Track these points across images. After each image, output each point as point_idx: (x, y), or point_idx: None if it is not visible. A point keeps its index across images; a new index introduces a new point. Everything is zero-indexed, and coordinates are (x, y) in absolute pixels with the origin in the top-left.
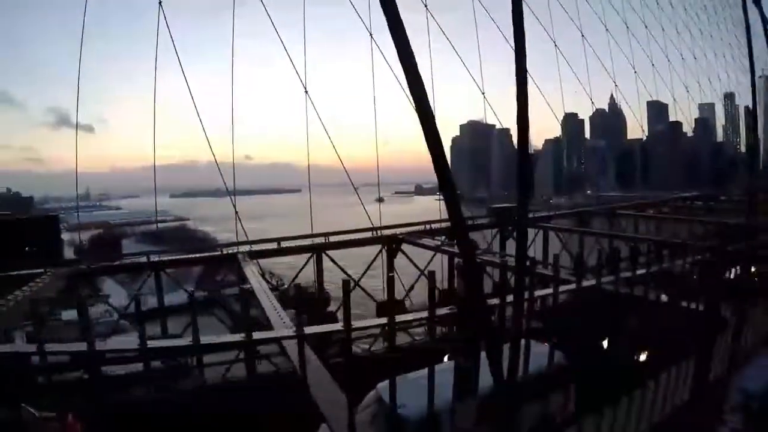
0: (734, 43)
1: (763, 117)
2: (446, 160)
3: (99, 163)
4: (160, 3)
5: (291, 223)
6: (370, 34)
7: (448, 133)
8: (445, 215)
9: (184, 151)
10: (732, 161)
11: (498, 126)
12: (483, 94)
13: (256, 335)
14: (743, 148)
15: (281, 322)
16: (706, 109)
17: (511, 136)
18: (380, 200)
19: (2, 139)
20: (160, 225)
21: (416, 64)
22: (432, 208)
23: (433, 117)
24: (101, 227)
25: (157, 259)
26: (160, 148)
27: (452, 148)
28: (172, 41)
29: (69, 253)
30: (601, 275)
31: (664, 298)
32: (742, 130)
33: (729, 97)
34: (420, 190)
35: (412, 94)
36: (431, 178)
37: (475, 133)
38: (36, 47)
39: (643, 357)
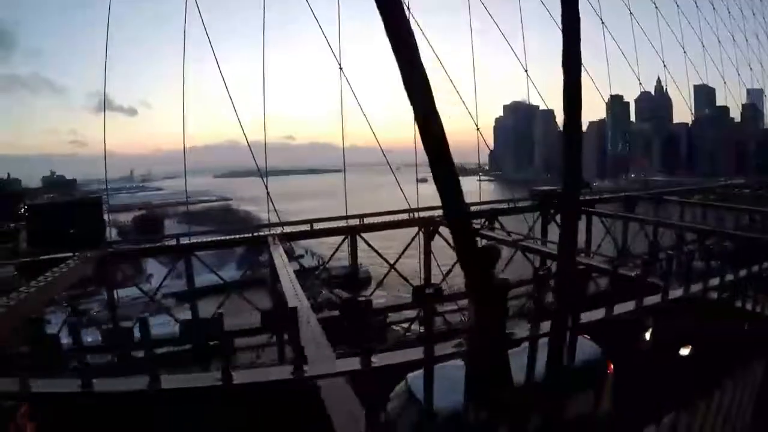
0: None
1: None
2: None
3: (142, 146)
4: None
5: (330, 204)
6: (408, 7)
7: (492, 113)
8: (491, 197)
9: (227, 132)
10: None
11: (542, 107)
12: (526, 71)
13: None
14: None
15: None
16: (755, 95)
17: (555, 117)
18: (421, 180)
19: (48, 125)
20: (204, 204)
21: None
22: (474, 189)
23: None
24: (144, 208)
25: (187, 241)
26: (203, 128)
27: (495, 128)
28: (203, 23)
29: (113, 234)
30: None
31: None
32: None
33: None
34: (462, 171)
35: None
36: (473, 158)
37: (519, 113)
38: (74, 32)
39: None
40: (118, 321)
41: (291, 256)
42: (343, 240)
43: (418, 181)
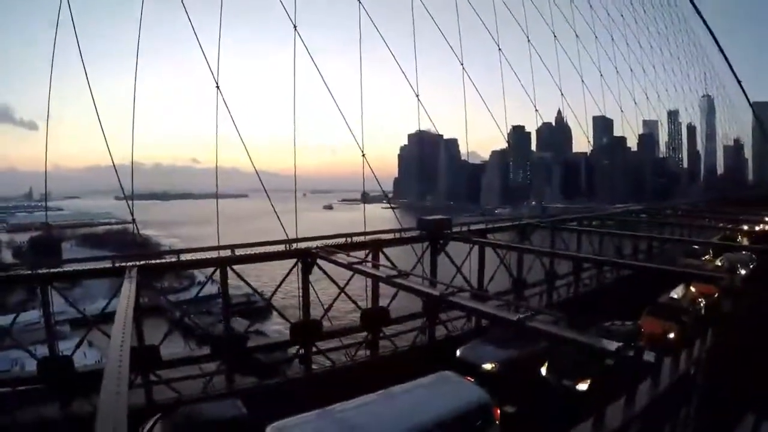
0: (682, 58)
1: (703, 134)
2: None
3: (41, 162)
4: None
5: (237, 229)
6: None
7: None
8: (388, 225)
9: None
10: (674, 176)
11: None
12: (417, 97)
13: None
14: (685, 164)
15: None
16: (650, 126)
17: (458, 146)
18: (327, 207)
19: None
20: (103, 228)
21: None
22: (377, 215)
23: None
24: (41, 229)
25: (45, 271)
26: (104, 147)
27: (400, 156)
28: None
29: (7, 255)
30: None
31: None
32: (684, 147)
33: (673, 115)
34: (366, 198)
35: None
36: (377, 186)
37: (423, 142)
38: None
39: None
40: None
41: (193, 281)
42: (214, 271)
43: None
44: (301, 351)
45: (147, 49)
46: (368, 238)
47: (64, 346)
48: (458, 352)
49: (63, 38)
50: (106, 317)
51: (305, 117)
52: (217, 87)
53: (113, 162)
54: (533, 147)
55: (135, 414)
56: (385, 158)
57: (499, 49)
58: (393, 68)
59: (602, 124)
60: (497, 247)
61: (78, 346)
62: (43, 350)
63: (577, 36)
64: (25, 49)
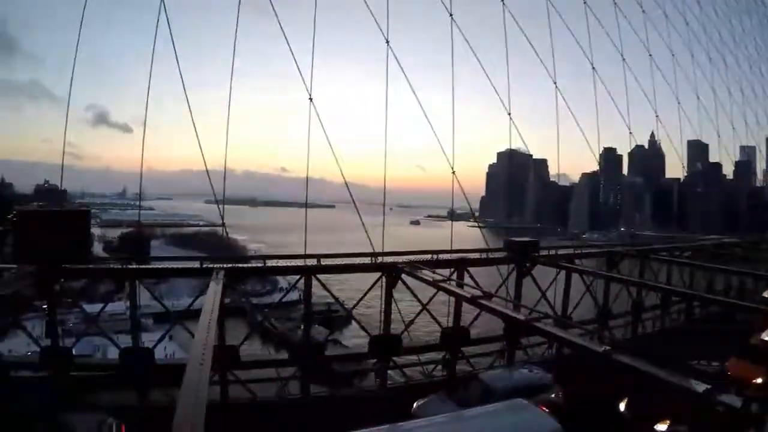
0: None
1: None
2: None
3: (136, 164)
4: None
5: (321, 239)
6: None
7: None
8: (473, 244)
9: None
10: None
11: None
12: (509, 114)
13: None
14: None
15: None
16: (747, 152)
17: (547, 166)
18: (414, 223)
19: (46, 134)
20: (191, 229)
21: None
22: (463, 233)
23: None
24: (133, 226)
25: (135, 266)
26: (198, 152)
27: (488, 174)
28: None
29: (98, 248)
30: None
31: None
32: None
33: None
34: (452, 216)
35: None
36: (464, 203)
37: (512, 161)
38: (74, 43)
39: None
40: (58, 339)
41: (275, 287)
42: (299, 279)
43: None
44: (378, 364)
45: (242, 60)
46: (454, 256)
47: (146, 338)
48: (414, 406)
49: (160, 47)
50: (189, 314)
51: (395, 131)
52: (310, 99)
53: (206, 167)
54: (624, 170)
55: (210, 410)
56: (473, 176)
57: (593, 68)
58: (484, 85)
59: (697, 149)
60: (584, 274)
61: (161, 339)
62: (125, 340)
63: (672, 55)
64: (121, 55)
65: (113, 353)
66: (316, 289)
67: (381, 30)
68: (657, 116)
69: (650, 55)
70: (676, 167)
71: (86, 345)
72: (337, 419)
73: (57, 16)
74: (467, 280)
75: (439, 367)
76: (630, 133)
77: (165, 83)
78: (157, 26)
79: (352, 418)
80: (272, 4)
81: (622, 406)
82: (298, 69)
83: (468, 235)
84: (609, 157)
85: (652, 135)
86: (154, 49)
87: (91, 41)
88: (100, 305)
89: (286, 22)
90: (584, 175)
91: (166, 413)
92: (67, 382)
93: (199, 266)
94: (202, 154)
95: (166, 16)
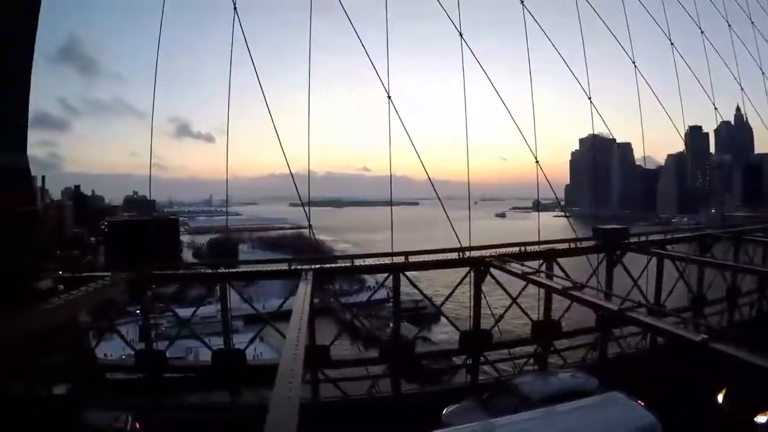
0: None
1: None
2: None
3: (219, 171)
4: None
5: (406, 236)
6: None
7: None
8: (560, 234)
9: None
10: None
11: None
12: (590, 99)
13: None
14: None
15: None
16: None
17: (632, 150)
18: (500, 215)
19: (131, 147)
20: (277, 232)
21: None
22: (548, 224)
23: None
24: (220, 231)
25: (226, 270)
26: (281, 157)
27: (571, 162)
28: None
29: (188, 255)
30: None
31: None
32: None
33: None
34: (537, 206)
35: None
36: (549, 193)
37: (595, 147)
38: (152, 59)
39: None
40: (152, 343)
41: (363, 285)
42: (387, 277)
43: (496, 215)
44: (469, 360)
45: (318, 62)
46: (542, 247)
47: (237, 340)
48: (444, 413)
49: (237, 55)
50: (279, 315)
51: (475, 123)
52: (389, 97)
53: (290, 170)
54: (711, 149)
55: (302, 409)
56: (556, 164)
57: (671, 44)
58: (560, 70)
59: None
60: (676, 260)
61: (252, 341)
62: (216, 342)
63: (752, 22)
64: (198, 68)
65: (205, 356)
66: (404, 287)
67: (453, 23)
68: (742, 89)
69: (729, 26)
70: (765, 142)
71: (179, 348)
72: (428, 416)
73: (133, 34)
74: (556, 271)
75: (532, 360)
76: (715, 108)
77: (244, 91)
78: (232, 35)
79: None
80: (342, 5)
81: (720, 398)
82: (374, 68)
83: (554, 226)
84: (695, 135)
85: (738, 109)
86: (231, 58)
87: (168, 56)
88: (192, 309)
89: (358, 20)
90: (670, 157)
91: (257, 412)
92: (161, 383)
93: (288, 268)
94: (285, 158)
95: (240, 26)
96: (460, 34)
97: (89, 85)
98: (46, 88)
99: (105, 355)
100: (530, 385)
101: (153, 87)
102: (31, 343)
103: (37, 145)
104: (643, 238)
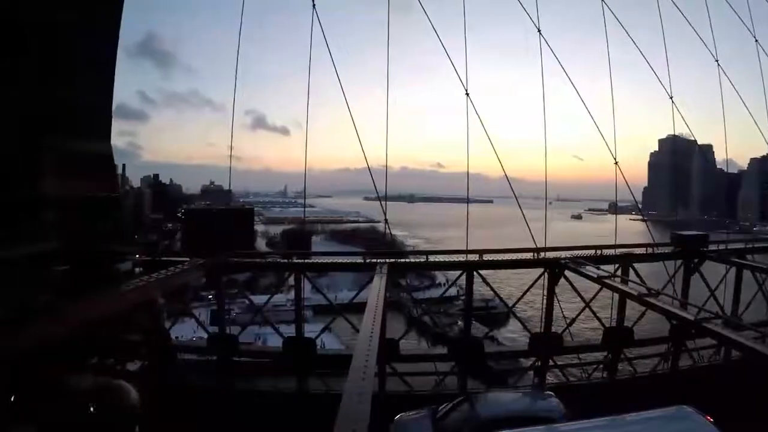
0: None
1: None
2: None
3: (294, 164)
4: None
5: (477, 234)
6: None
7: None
8: (640, 238)
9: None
10: None
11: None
12: (671, 98)
13: None
14: None
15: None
16: None
17: (713, 152)
18: (576, 217)
19: (208, 139)
20: (350, 225)
21: None
22: (625, 227)
23: None
24: (294, 222)
25: (301, 261)
26: (356, 151)
27: (650, 164)
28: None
29: (261, 244)
30: None
31: None
32: None
33: None
34: (614, 209)
35: None
36: (626, 195)
37: (675, 148)
38: (228, 53)
39: None
40: (225, 326)
41: (433, 282)
42: (460, 275)
43: (572, 216)
44: (538, 363)
45: (395, 58)
46: (618, 251)
47: (306, 329)
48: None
49: (314, 50)
50: (349, 307)
51: (551, 121)
52: (467, 93)
53: (368, 164)
54: None
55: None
56: (633, 165)
57: (756, 41)
58: (640, 69)
59: None
60: (756, 270)
61: (323, 330)
62: (286, 330)
63: None
64: (275, 63)
65: (272, 342)
66: (475, 286)
67: (531, 19)
68: None
69: None
70: None
71: (247, 334)
72: None
73: (209, 30)
74: (632, 277)
75: (601, 367)
76: None
77: (321, 85)
78: (311, 31)
79: None
80: (421, 4)
81: None
82: (452, 64)
83: (631, 230)
84: None
85: None
86: (310, 54)
87: (244, 50)
88: (264, 297)
89: (435, 17)
90: (753, 160)
91: (324, 401)
92: (231, 365)
93: (362, 261)
94: (363, 152)
95: (319, 22)
96: (538, 30)
97: (166, 78)
98: (126, 80)
99: (176, 337)
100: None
101: (231, 80)
102: (110, 321)
103: (118, 134)
104: (722, 246)
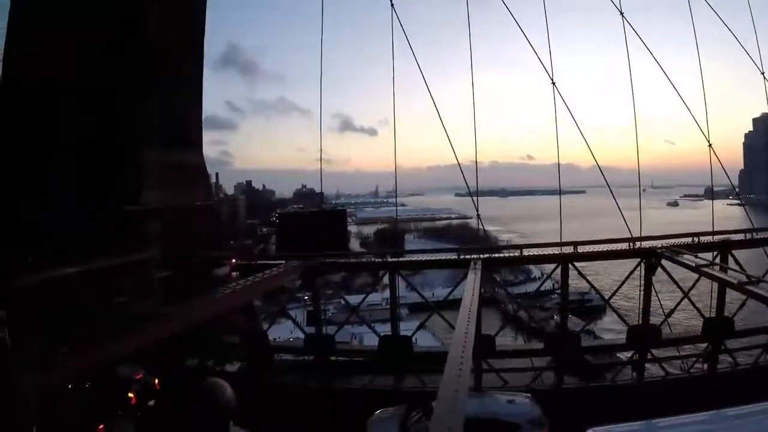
0: None
1: None
2: None
3: (384, 163)
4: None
5: (571, 226)
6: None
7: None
8: (739, 224)
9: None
10: None
11: None
12: (763, 74)
13: None
14: None
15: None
16: None
17: None
18: (672, 204)
19: (297, 144)
20: (443, 222)
21: None
22: (722, 213)
23: None
24: (386, 222)
25: (395, 260)
26: (445, 148)
27: (745, 144)
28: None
29: (355, 244)
30: None
31: None
32: None
33: None
34: (710, 194)
35: None
36: (722, 179)
37: None
38: (312, 59)
39: None
40: (321, 327)
41: (528, 276)
42: (555, 268)
43: (668, 204)
44: (635, 356)
45: (479, 54)
46: (716, 238)
47: (402, 327)
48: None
49: (397, 50)
50: (444, 304)
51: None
52: (553, 83)
53: (458, 160)
54: None
55: None
56: (728, 147)
57: None
58: (731, 45)
59: None
60: None
61: (419, 328)
62: (381, 329)
63: None
64: (359, 64)
65: (369, 342)
66: (571, 279)
67: (613, 2)
68: None
69: None
70: None
71: (343, 333)
72: (590, 412)
73: (291, 36)
74: (732, 264)
75: (701, 360)
76: None
77: (405, 84)
78: (392, 30)
79: (605, 412)
80: None
81: None
82: (536, 54)
83: (729, 215)
84: None
85: None
86: (393, 53)
87: (327, 54)
88: (359, 296)
89: (515, 7)
90: None
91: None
92: (329, 365)
93: (456, 257)
94: (453, 148)
95: (399, 20)
96: (621, 13)
97: (252, 87)
98: (213, 92)
99: (273, 339)
100: None
101: (318, 85)
102: (210, 324)
103: (209, 144)
104: None
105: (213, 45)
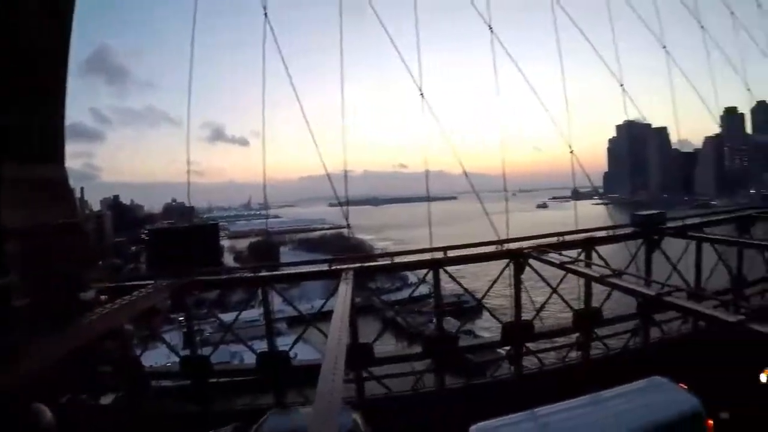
0: None
1: None
2: None
3: (256, 174)
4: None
5: (444, 231)
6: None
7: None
8: (600, 222)
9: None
10: None
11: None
12: (622, 86)
13: None
14: None
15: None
16: None
17: (668, 134)
18: (541, 206)
19: (168, 155)
20: (318, 233)
21: None
22: (588, 212)
23: None
24: (260, 235)
25: (267, 274)
26: (317, 158)
27: (609, 149)
28: (280, 58)
29: (229, 259)
30: None
31: None
32: None
33: None
34: (576, 195)
35: None
36: (587, 182)
37: (632, 133)
38: (183, 67)
39: None
40: (196, 348)
41: (405, 282)
42: (427, 273)
43: (538, 206)
44: (512, 351)
45: (351, 63)
46: (580, 236)
47: (281, 342)
48: None
49: (269, 59)
50: (322, 316)
51: (508, 115)
52: (421, 94)
53: (327, 171)
54: (748, 130)
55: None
56: (593, 151)
57: (701, 27)
58: (591, 56)
59: None
60: (714, 242)
61: (295, 342)
62: (260, 345)
63: None
64: (229, 73)
65: (250, 359)
66: (447, 282)
67: (482, 16)
68: None
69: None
70: None
71: (223, 353)
72: (473, 409)
73: (161, 42)
74: (596, 259)
75: (575, 349)
76: (748, 89)
77: (277, 93)
78: (264, 39)
79: (487, 407)
80: (372, 5)
81: (763, 377)
82: (405, 65)
83: (594, 214)
84: (730, 117)
85: None
86: (264, 62)
87: (199, 61)
88: (234, 314)
89: (387, 19)
90: (707, 139)
91: None
92: (206, 388)
93: (328, 268)
94: (321, 159)
95: (271, 29)
96: (490, 28)
97: (120, 95)
98: (78, 98)
99: (149, 366)
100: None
101: (186, 93)
102: (77, 354)
103: (73, 156)
104: (680, 223)
105: (78, 46)
